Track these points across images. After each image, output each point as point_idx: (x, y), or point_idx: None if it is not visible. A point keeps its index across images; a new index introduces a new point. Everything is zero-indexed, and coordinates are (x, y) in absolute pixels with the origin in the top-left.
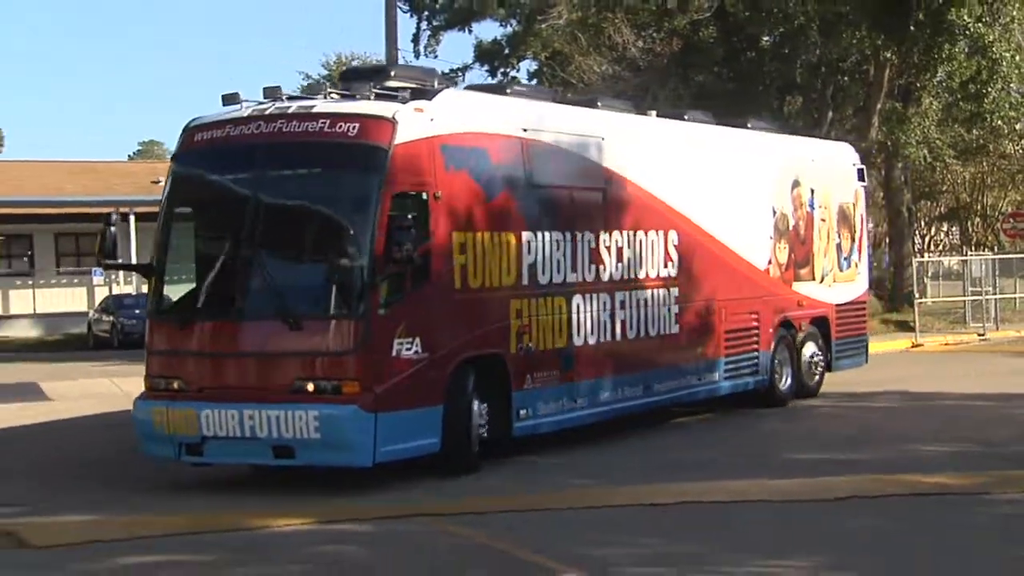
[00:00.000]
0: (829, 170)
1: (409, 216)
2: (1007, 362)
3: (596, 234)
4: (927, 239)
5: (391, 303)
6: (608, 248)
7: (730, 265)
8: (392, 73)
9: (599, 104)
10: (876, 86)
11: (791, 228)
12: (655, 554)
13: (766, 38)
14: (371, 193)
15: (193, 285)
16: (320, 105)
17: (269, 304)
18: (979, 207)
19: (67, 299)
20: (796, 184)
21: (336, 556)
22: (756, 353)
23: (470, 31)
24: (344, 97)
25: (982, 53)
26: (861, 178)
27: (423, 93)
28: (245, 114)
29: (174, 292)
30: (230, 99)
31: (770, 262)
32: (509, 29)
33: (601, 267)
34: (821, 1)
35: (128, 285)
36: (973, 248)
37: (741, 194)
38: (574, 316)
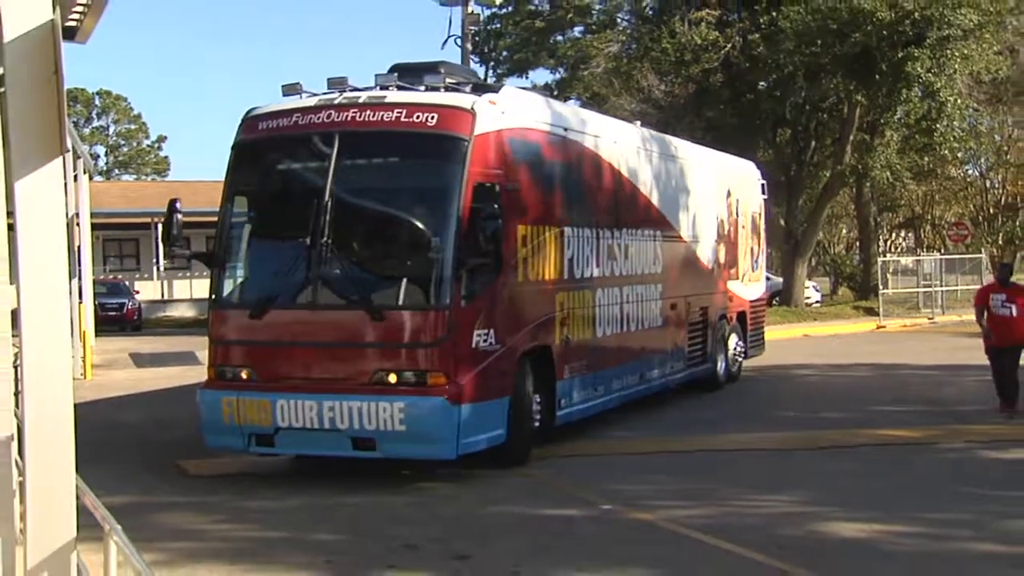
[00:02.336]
0: (745, 184)
1: (493, 206)
2: (952, 340)
3: (611, 232)
4: (889, 243)
5: (471, 294)
6: (620, 245)
7: (692, 264)
8: (442, 70)
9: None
10: (849, 122)
11: (727, 232)
12: (674, 490)
13: (762, 83)
14: (454, 183)
15: (258, 274)
16: (391, 95)
17: (350, 294)
18: (930, 217)
19: None
20: (728, 194)
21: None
22: (706, 344)
23: (527, 76)
24: (404, 89)
25: (932, 97)
26: (763, 192)
27: (485, 88)
28: (312, 103)
29: (237, 281)
30: (291, 89)
31: (714, 262)
32: (558, 75)
33: (615, 263)
34: (805, 55)
35: None
36: (925, 250)
37: (698, 200)
38: (597, 309)
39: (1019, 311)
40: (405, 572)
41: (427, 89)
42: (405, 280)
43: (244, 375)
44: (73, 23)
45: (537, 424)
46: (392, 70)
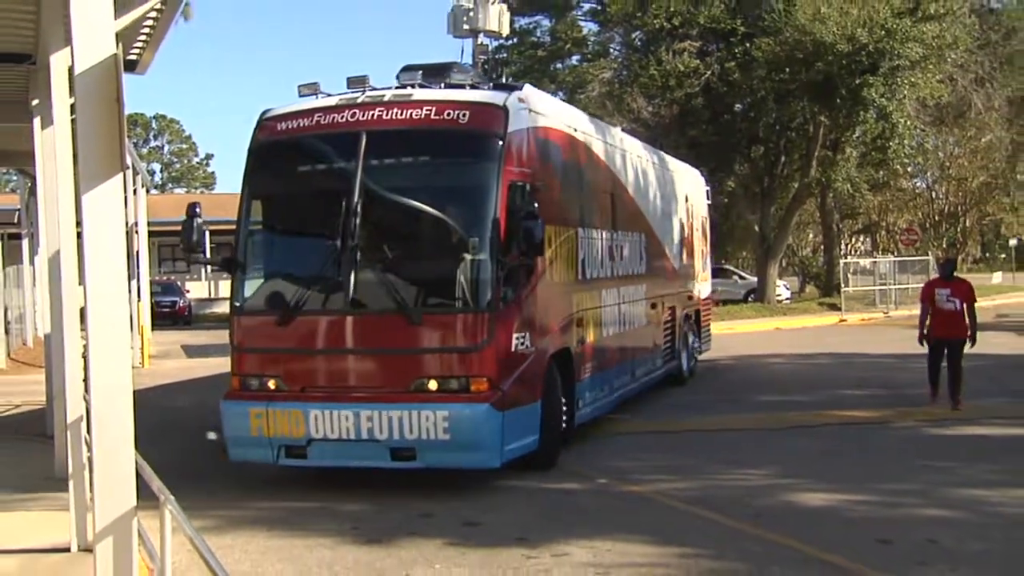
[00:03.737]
0: (697, 189)
1: (529, 205)
2: (904, 332)
3: (611, 233)
4: (849, 246)
5: (509, 296)
6: (617, 246)
7: (665, 265)
8: (454, 71)
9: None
10: (814, 139)
11: (687, 235)
12: (663, 466)
13: (738, 105)
14: (490, 181)
15: (284, 279)
16: (417, 92)
17: (386, 298)
18: (884, 224)
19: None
20: (687, 198)
21: None
22: (675, 341)
23: None
24: (427, 87)
25: (885, 119)
26: (709, 198)
27: (505, 87)
28: (333, 102)
29: (261, 286)
30: (309, 89)
31: (680, 263)
32: (558, 98)
33: (614, 264)
34: (775, 81)
35: None
36: (880, 253)
37: (669, 204)
38: (603, 310)
39: (962, 305)
40: (422, 537)
41: (450, 86)
42: (444, 282)
43: (272, 384)
44: (134, 57)
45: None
46: (404, 70)
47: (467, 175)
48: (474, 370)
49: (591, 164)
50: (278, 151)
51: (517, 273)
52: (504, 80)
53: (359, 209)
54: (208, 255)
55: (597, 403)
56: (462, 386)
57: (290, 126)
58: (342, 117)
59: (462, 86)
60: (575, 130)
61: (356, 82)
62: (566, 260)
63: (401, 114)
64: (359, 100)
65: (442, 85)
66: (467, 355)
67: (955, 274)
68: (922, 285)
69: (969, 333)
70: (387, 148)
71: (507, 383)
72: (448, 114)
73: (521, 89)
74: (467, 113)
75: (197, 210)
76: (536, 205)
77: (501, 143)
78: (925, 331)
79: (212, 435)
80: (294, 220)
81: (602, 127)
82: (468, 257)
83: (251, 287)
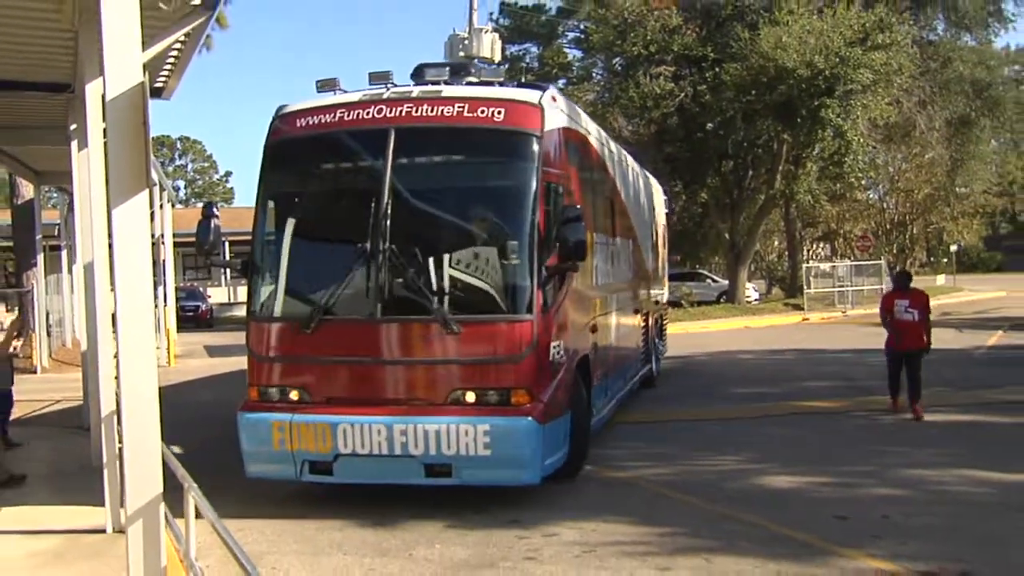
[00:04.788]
0: (659, 197)
1: (568, 207)
2: (861, 329)
3: (613, 239)
4: (810, 252)
5: (546, 302)
6: (616, 252)
7: (644, 270)
8: (472, 70)
9: None
10: (778, 155)
11: (655, 241)
12: (643, 454)
13: (710, 124)
14: (529, 182)
15: (308, 284)
16: (447, 89)
17: (422, 304)
18: (842, 232)
19: None
20: (655, 208)
21: None
22: (648, 344)
23: None
24: (446, 83)
25: (841, 137)
26: (667, 207)
27: (535, 86)
28: (357, 97)
29: (282, 291)
30: (327, 84)
31: (652, 268)
32: None
33: (615, 270)
34: (743, 102)
35: None
36: (838, 258)
37: (646, 211)
38: (610, 315)
39: (920, 315)
40: (425, 520)
41: (477, 84)
42: (482, 288)
43: (295, 395)
44: (160, 84)
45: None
46: (418, 69)
47: (504, 174)
48: (515, 381)
49: (601, 169)
50: (298, 148)
51: (552, 278)
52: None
53: (389, 210)
54: (226, 257)
55: (605, 409)
56: (503, 398)
57: (311, 122)
58: (368, 113)
59: (490, 83)
60: (590, 134)
61: (378, 77)
62: (589, 265)
63: (432, 111)
64: (385, 96)
65: (464, 83)
66: (508, 365)
67: (911, 284)
68: (879, 288)
69: (926, 342)
70: (417, 146)
71: (546, 394)
72: (482, 111)
73: (548, 89)
74: (502, 111)
75: (213, 210)
76: (579, 207)
77: (538, 142)
78: (890, 341)
79: None
80: (316, 222)
81: (604, 134)
82: (508, 261)
83: (270, 292)
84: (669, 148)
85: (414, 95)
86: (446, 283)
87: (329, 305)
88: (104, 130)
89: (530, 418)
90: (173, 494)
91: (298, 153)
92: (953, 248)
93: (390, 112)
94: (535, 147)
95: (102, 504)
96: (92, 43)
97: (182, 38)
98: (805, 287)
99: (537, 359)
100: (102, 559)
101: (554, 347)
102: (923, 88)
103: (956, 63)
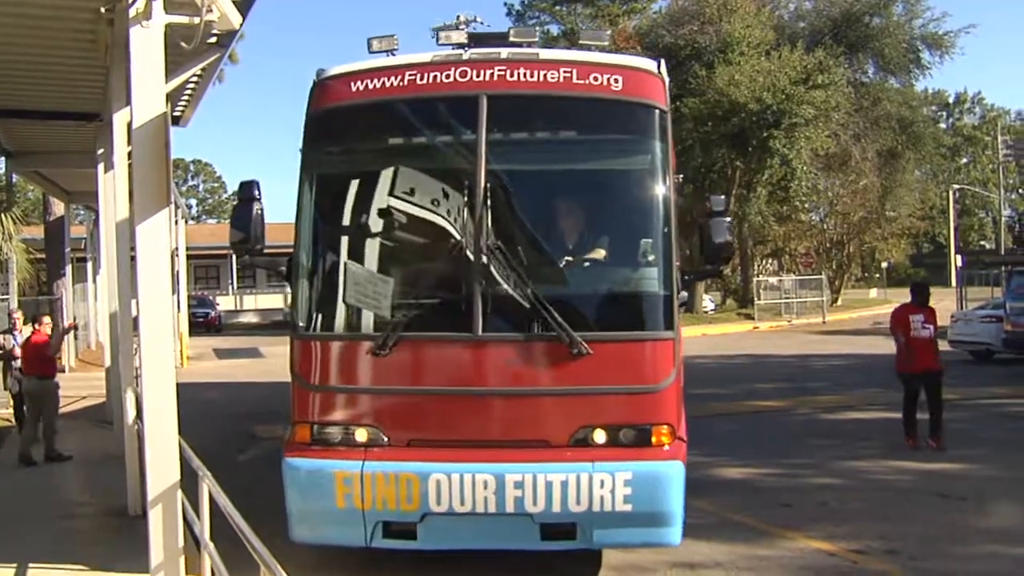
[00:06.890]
0: None
1: (722, 199)
2: (806, 337)
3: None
4: (760, 267)
5: (679, 316)
6: None
7: None
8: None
9: None
10: (732, 180)
11: None
12: None
13: None
14: (658, 167)
15: (373, 291)
16: (545, 52)
17: (535, 320)
18: (788, 249)
19: (275, 300)
20: None
21: None
22: None
23: None
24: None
25: (787, 165)
26: None
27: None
28: (427, 58)
29: (339, 300)
30: (384, 43)
31: None
32: None
33: None
34: (700, 132)
35: None
36: (785, 272)
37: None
38: None
39: (934, 332)
40: None
41: (574, 47)
42: (613, 297)
43: (365, 436)
44: (178, 113)
45: None
46: (473, 37)
47: (630, 155)
48: (655, 415)
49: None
50: (356, 118)
51: (687, 286)
52: None
53: (488, 197)
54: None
55: None
56: (641, 437)
57: (371, 86)
58: (448, 76)
59: (588, 47)
60: None
61: (450, 30)
62: None
63: (531, 75)
64: (466, 57)
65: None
66: (648, 396)
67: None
68: (817, 299)
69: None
70: (516, 118)
71: (682, 429)
72: (595, 78)
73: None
74: (620, 78)
75: (256, 192)
76: (723, 199)
77: (665, 119)
78: (904, 362)
79: None
80: (386, 212)
81: None
82: (643, 264)
83: (327, 302)
84: None
85: (503, 56)
86: (565, 293)
87: (411, 319)
88: (129, 153)
89: (678, 462)
90: (188, 481)
91: (356, 124)
92: (884, 265)
93: (477, 76)
94: (662, 124)
95: (125, 489)
96: (120, 78)
97: (199, 72)
98: (756, 299)
99: (677, 387)
100: (125, 537)
101: (680, 369)
102: (857, 123)
103: (884, 102)
